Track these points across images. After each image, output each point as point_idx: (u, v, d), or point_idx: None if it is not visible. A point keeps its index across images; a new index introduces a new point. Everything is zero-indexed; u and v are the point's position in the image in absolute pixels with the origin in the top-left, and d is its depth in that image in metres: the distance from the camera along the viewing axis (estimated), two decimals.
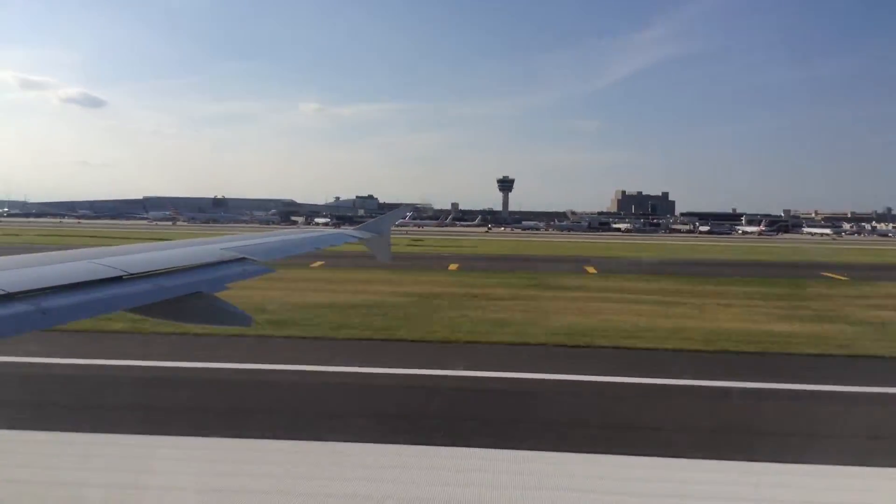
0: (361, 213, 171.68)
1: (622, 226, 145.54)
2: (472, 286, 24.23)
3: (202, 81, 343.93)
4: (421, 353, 13.10)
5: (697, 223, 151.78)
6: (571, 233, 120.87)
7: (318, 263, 30.52)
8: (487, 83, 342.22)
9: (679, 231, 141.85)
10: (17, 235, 59.92)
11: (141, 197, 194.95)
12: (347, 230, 7.76)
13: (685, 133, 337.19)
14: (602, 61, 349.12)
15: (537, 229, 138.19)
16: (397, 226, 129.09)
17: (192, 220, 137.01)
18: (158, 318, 3.63)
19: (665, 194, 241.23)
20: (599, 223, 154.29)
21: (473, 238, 79.96)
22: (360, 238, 7.23)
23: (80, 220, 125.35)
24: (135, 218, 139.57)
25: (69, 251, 3.85)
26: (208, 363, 11.50)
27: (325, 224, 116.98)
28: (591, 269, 33.99)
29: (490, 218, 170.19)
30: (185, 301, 3.70)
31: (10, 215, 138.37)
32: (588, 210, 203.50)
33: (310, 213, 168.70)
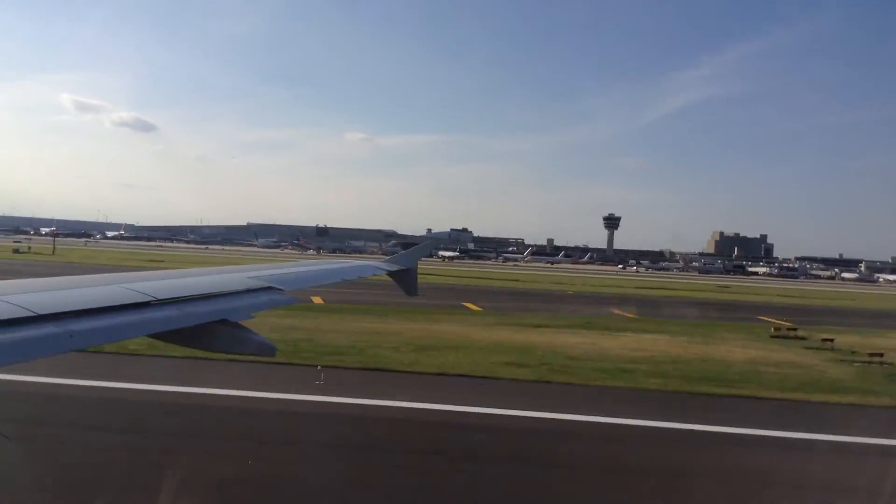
0: (471, 246, 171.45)
1: (760, 270, 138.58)
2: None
3: (249, 108, 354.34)
4: None
5: (838, 270, 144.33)
6: (711, 275, 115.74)
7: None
8: (530, 118, 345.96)
9: (819, 277, 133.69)
10: (161, 263, 58.90)
11: (245, 223, 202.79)
12: (375, 263, 7.76)
13: (737, 172, 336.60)
14: (646, 100, 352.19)
15: (669, 270, 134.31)
16: (534, 261, 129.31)
17: (298, 247, 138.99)
18: (182, 344, 3.65)
19: (763, 236, 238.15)
20: (734, 266, 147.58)
21: (650, 279, 78.79)
22: (388, 271, 7.22)
23: (190, 245, 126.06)
24: (244, 244, 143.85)
25: (99, 275, 3.89)
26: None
27: (453, 257, 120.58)
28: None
29: (596, 256, 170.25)
30: (210, 328, 3.70)
31: (124, 238, 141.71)
32: (685, 251, 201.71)
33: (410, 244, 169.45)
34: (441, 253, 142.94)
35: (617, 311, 31.91)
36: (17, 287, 3.33)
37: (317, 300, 27.34)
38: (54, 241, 79.40)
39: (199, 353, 4.44)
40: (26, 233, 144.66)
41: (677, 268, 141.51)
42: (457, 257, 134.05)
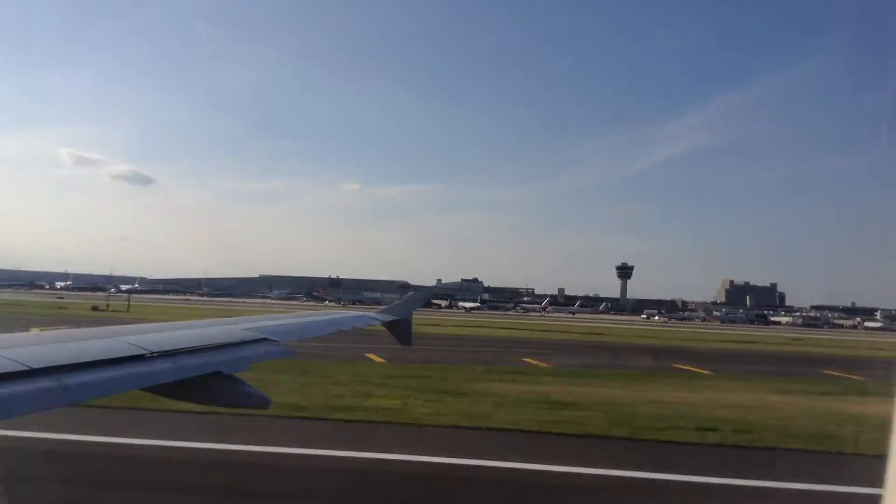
0: (486, 296, 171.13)
1: (783, 319, 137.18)
2: None
3: (245, 159, 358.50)
4: None
5: (860, 319, 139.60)
6: (735, 325, 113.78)
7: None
8: (519, 167, 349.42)
9: (843, 326, 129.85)
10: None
11: (255, 275, 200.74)
12: (370, 314, 7.79)
13: (737, 219, 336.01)
14: (635, 149, 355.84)
15: (691, 319, 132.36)
16: (553, 311, 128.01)
17: (315, 298, 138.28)
18: (176, 398, 3.66)
19: (773, 285, 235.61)
20: (756, 316, 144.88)
21: (686, 330, 77.72)
22: (383, 321, 7.24)
23: (205, 297, 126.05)
24: (258, 296, 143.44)
25: (93, 329, 3.94)
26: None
27: (473, 308, 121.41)
28: None
29: (610, 306, 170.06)
30: (205, 381, 3.72)
31: (139, 292, 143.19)
32: (694, 300, 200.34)
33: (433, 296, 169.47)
34: (461, 304, 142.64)
35: (686, 367, 28.81)
36: (13, 341, 3.39)
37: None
38: (129, 298, 79.56)
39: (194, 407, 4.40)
40: (41, 286, 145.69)
41: (698, 317, 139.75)
42: (477, 308, 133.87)
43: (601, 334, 56.93)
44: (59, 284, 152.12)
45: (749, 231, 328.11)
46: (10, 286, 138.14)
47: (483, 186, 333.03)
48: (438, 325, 60.17)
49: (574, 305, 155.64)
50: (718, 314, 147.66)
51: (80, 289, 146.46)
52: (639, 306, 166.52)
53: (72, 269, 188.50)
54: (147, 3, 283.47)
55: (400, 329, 7.60)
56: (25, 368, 3.07)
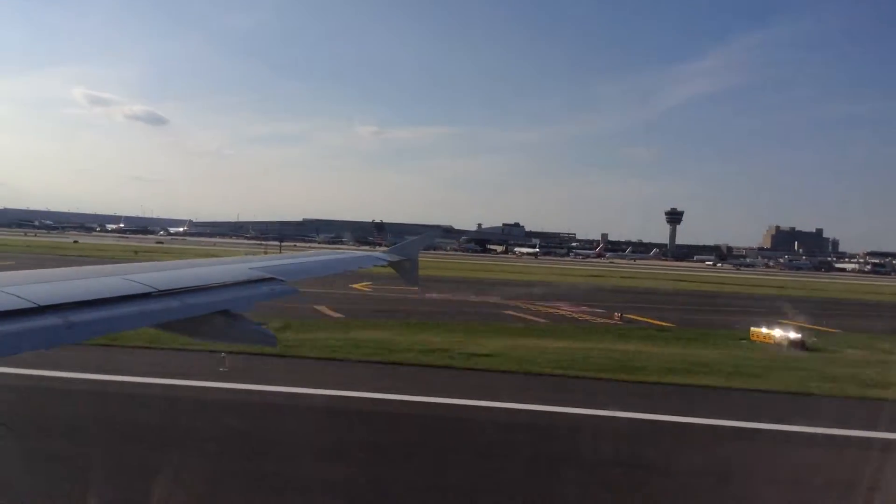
0: (536, 241, 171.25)
1: (848, 266, 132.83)
2: None
3: (260, 100, 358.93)
4: None
5: None
6: (801, 272, 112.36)
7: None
8: (540, 109, 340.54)
9: None
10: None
11: (299, 219, 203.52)
12: (376, 253, 7.78)
13: (767, 162, 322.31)
14: (653, 91, 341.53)
15: (755, 266, 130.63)
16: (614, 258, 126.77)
17: (367, 244, 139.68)
18: (183, 335, 3.71)
19: (819, 230, 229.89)
20: (819, 262, 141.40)
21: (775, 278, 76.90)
22: (388, 261, 7.21)
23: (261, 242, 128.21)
24: (304, 240, 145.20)
25: (99, 266, 3.98)
26: None
27: (532, 253, 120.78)
28: None
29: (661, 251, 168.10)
30: (211, 319, 3.75)
31: (189, 235, 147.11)
32: (739, 245, 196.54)
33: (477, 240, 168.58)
34: (518, 249, 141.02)
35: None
36: (18, 278, 3.45)
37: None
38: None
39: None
40: (92, 229, 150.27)
41: (759, 264, 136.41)
42: (534, 254, 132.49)
43: (722, 283, 56.16)
44: (109, 227, 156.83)
45: (793, 175, 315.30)
46: (62, 228, 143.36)
47: (502, 128, 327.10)
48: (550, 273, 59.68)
49: (626, 251, 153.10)
50: (783, 261, 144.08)
51: (133, 231, 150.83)
52: (688, 252, 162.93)
53: (94, 210, 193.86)
54: None
55: (406, 269, 7.58)
56: (32, 305, 3.12)
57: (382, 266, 7.15)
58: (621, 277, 60.66)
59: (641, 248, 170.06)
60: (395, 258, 7.49)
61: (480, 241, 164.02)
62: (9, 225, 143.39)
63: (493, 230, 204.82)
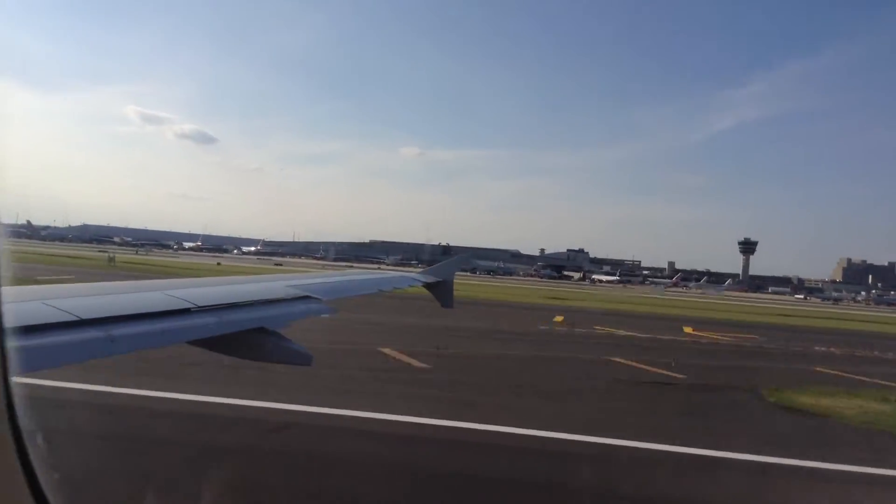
0: (607, 268, 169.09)
1: None
2: None
3: (305, 120, 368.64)
4: None
5: None
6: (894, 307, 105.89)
7: None
8: (582, 133, 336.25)
9: None
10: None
11: (366, 241, 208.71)
12: (411, 274, 7.76)
13: (823, 192, 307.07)
14: (700, 117, 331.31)
15: (840, 300, 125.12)
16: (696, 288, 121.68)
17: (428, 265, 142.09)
18: (220, 352, 3.76)
19: (892, 264, 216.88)
20: None
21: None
22: (424, 282, 7.17)
23: (329, 262, 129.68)
24: (372, 261, 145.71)
25: (141, 282, 4.12)
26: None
27: (611, 281, 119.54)
28: None
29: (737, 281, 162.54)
30: (248, 336, 3.79)
31: (262, 254, 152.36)
32: (810, 277, 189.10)
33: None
34: (595, 276, 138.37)
35: None
36: (64, 292, 3.61)
37: None
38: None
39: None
40: (168, 246, 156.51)
41: (842, 298, 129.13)
42: (613, 281, 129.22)
43: (839, 319, 51.77)
44: (186, 245, 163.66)
45: (855, 205, 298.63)
46: (141, 245, 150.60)
47: (543, 152, 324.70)
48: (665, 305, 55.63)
49: (701, 280, 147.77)
50: (869, 295, 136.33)
51: (209, 250, 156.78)
52: (762, 283, 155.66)
53: (141, 226, 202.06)
54: None
55: (441, 291, 7.52)
56: (75, 319, 3.25)
57: (417, 287, 7.14)
58: (784, 315, 55.17)
59: (713, 278, 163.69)
60: (430, 279, 7.47)
61: (557, 267, 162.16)
62: (89, 241, 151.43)
63: (557, 255, 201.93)
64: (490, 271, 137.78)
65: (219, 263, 75.52)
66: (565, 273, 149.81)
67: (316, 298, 4.43)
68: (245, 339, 3.77)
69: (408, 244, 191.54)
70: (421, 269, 8.26)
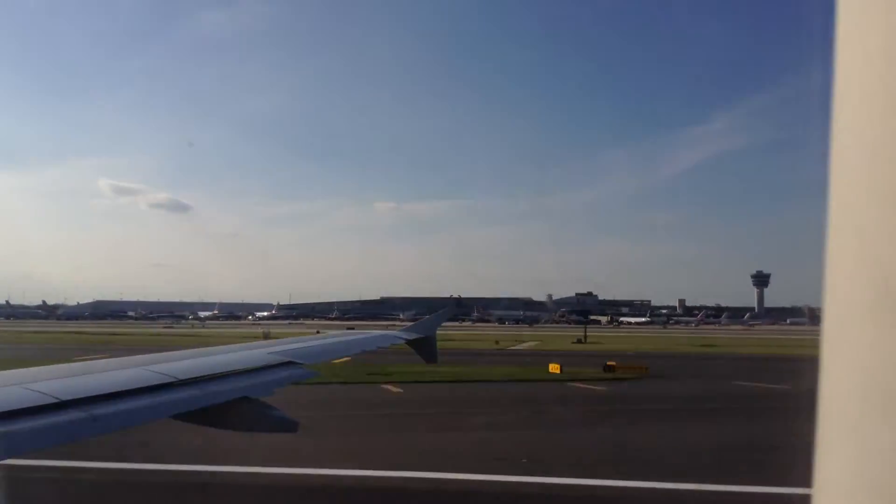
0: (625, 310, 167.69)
1: None
2: None
3: (280, 182, 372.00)
4: None
5: None
6: None
7: None
8: (550, 179, 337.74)
9: None
10: None
11: (377, 297, 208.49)
12: (395, 332, 7.76)
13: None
14: (660, 156, 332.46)
15: None
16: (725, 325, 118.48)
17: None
18: (204, 424, 3.78)
19: None
20: None
21: None
22: (406, 340, 7.17)
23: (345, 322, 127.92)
24: (386, 319, 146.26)
25: (122, 359, 4.19)
26: None
27: (640, 323, 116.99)
28: None
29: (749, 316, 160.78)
30: (232, 407, 3.82)
31: (276, 318, 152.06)
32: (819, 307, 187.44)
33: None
34: (624, 319, 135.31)
35: None
36: (44, 374, 3.67)
37: None
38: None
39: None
40: (183, 317, 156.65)
41: None
42: (646, 323, 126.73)
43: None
44: (202, 314, 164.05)
45: (722, 236, 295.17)
46: (157, 317, 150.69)
47: (514, 200, 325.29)
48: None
49: (721, 317, 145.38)
50: None
51: (225, 318, 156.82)
52: (779, 315, 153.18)
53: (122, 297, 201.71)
54: (176, 36, 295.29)
55: (424, 347, 7.50)
56: (55, 401, 3.30)
57: (399, 345, 7.12)
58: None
59: (731, 313, 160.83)
60: (412, 336, 7.47)
61: (583, 311, 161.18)
62: (103, 317, 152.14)
63: (567, 300, 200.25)
64: (517, 321, 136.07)
65: (267, 333, 74.62)
66: (591, 317, 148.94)
67: (298, 364, 4.47)
68: (229, 410, 3.80)
69: (420, 299, 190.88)
70: (405, 327, 8.29)
